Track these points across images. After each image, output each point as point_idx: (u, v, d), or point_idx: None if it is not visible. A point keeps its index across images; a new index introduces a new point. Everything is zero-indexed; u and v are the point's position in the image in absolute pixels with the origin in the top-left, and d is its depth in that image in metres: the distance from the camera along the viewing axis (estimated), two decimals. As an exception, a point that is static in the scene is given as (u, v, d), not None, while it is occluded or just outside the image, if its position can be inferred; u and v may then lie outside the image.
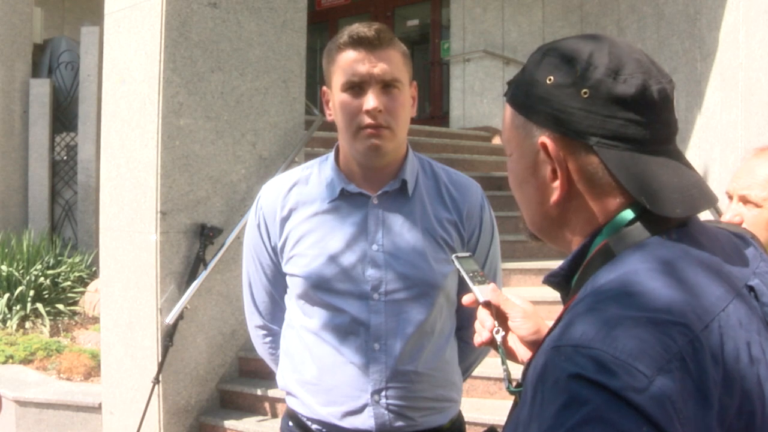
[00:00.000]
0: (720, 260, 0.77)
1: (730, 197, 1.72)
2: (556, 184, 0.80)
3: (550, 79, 0.80)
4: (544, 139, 0.80)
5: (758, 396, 0.70)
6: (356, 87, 1.47)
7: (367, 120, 1.46)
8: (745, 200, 1.66)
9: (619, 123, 0.77)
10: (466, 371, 1.71)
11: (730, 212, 1.68)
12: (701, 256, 0.76)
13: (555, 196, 0.81)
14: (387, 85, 1.47)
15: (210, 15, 3.82)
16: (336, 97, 1.50)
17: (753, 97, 3.65)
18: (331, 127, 6.07)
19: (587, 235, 0.81)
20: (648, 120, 0.77)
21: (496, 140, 7.45)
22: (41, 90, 6.44)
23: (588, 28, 7.01)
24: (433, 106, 9.14)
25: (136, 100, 3.73)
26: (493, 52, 7.93)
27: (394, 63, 1.48)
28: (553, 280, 0.85)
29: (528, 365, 0.76)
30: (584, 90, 0.77)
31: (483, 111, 8.00)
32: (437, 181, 1.61)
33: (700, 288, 0.72)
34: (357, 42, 1.46)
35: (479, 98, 8.07)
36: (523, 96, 0.83)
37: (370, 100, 1.45)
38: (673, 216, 0.76)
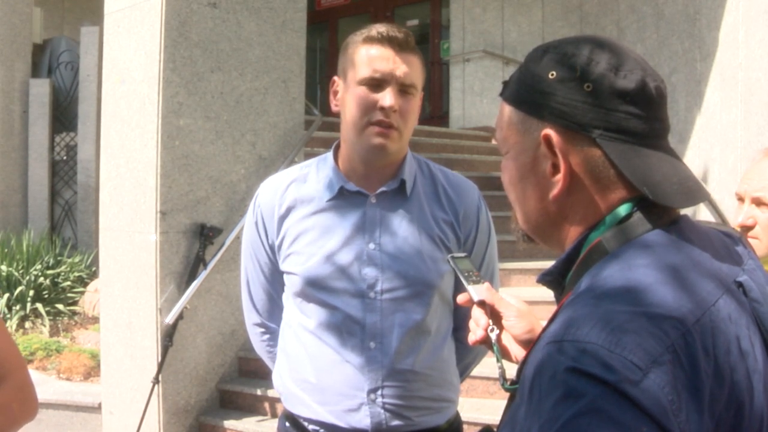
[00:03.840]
0: (710, 257, 0.79)
1: (741, 199, 1.68)
2: (557, 177, 0.82)
3: (552, 74, 0.82)
4: (548, 131, 0.81)
5: (747, 388, 0.72)
6: (376, 83, 1.48)
7: (380, 116, 1.47)
8: (758, 202, 1.63)
9: (621, 116, 0.79)
10: (464, 372, 1.71)
11: (743, 215, 1.64)
12: (692, 253, 0.78)
13: (555, 191, 0.82)
14: (404, 88, 1.49)
15: (210, 15, 3.82)
16: (350, 89, 1.51)
17: (753, 97, 3.64)
18: (331, 127, 6.03)
19: (584, 230, 0.82)
20: (647, 114, 0.80)
21: (496, 140, 7.44)
22: (41, 90, 6.44)
23: (588, 28, 7.02)
24: (433, 106, 9.14)
25: (135, 100, 3.73)
26: (492, 52, 7.93)
27: (414, 68, 1.51)
28: (548, 278, 0.87)
29: (524, 362, 0.78)
30: (587, 84, 0.80)
31: (483, 111, 8.00)
32: (434, 181, 1.62)
33: (692, 283, 0.74)
34: (386, 40, 1.48)
35: (479, 98, 8.07)
36: (525, 92, 0.85)
37: (388, 98, 1.46)
38: (674, 206, 0.79)
